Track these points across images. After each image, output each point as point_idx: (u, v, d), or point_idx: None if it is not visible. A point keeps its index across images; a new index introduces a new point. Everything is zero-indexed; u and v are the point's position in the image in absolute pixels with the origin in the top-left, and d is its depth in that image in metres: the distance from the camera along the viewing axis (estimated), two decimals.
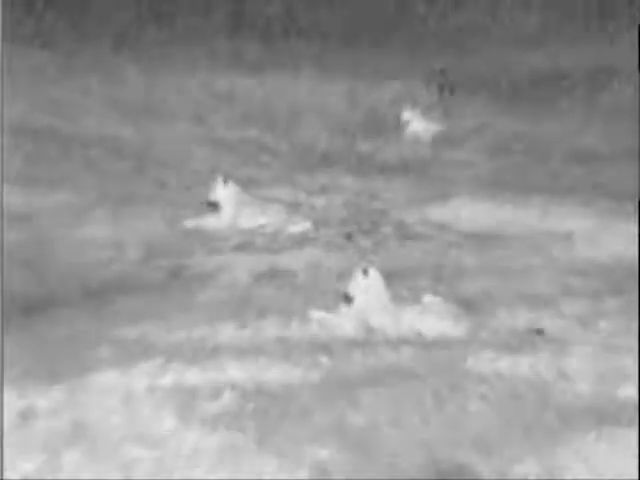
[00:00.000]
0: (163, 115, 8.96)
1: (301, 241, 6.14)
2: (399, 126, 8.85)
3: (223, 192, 6.38)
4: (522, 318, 4.76)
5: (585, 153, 8.26)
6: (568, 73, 10.27)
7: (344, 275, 4.96)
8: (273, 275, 5.47)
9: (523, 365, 4.09)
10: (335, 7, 12.62)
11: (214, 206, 6.40)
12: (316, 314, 4.72)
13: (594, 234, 6.34)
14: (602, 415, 3.58)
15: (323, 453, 3.27)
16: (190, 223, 6.31)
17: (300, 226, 6.37)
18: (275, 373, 3.98)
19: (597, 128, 8.94)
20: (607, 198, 7.07)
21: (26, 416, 3.47)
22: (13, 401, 3.58)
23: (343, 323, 4.63)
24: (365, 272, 4.69)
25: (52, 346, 4.26)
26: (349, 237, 6.25)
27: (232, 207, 6.37)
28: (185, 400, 3.65)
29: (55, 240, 5.78)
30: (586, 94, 9.76)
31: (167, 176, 7.31)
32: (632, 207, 6.76)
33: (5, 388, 3.68)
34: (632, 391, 3.77)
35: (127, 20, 11.74)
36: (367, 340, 4.45)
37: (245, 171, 7.45)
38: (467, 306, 4.84)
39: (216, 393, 3.73)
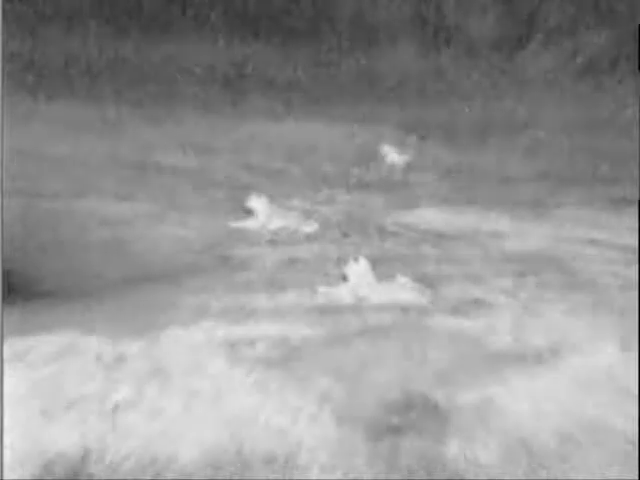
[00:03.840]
0: (213, 150, 8.93)
1: (311, 238, 6.13)
2: (380, 157, 8.83)
3: (256, 202, 6.42)
4: (466, 291, 4.74)
5: (509, 177, 8.23)
6: (497, 122, 10.21)
7: (342, 261, 4.96)
8: (292, 261, 5.45)
9: (467, 323, 4.08)
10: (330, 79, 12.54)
11: (250, 213, 6.41)
12: (322, 288, 4.71)
13: (517, 233, 6.32)
14: (520, 357, 3.58)
15: (327, 385, 3.26)
16: (233, 225, 6.30)
17: (310, 227, 6.35)
18: (294, 329, 3.97)
19: (517, 159, 8.90)
20: (525, 208, 7.05)
21: (118, 360, 3.48)
22: (110, 349, 3.58)
23: (341, 295, 4.63)
24: (356, 259, 4.69)
25: (137, 310, 4.26)
26: (345, 235, 6.23)
27: (263, 213, 6.39)
28: (231, 348, 3.64)
29: (139, 237, 5.77)
30: (510, 136, 9.72)
31: (217, 192, 7.28)
32: (540, 214, 6.79)
33: (104, 340, 3.68)
34: (541, 341, 3.76)
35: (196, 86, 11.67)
36: (358, 306, 4.44)
37: (271, 188, 7.43)
38: (428, 283, 4.82)
39: (253, 343, 3.72)
